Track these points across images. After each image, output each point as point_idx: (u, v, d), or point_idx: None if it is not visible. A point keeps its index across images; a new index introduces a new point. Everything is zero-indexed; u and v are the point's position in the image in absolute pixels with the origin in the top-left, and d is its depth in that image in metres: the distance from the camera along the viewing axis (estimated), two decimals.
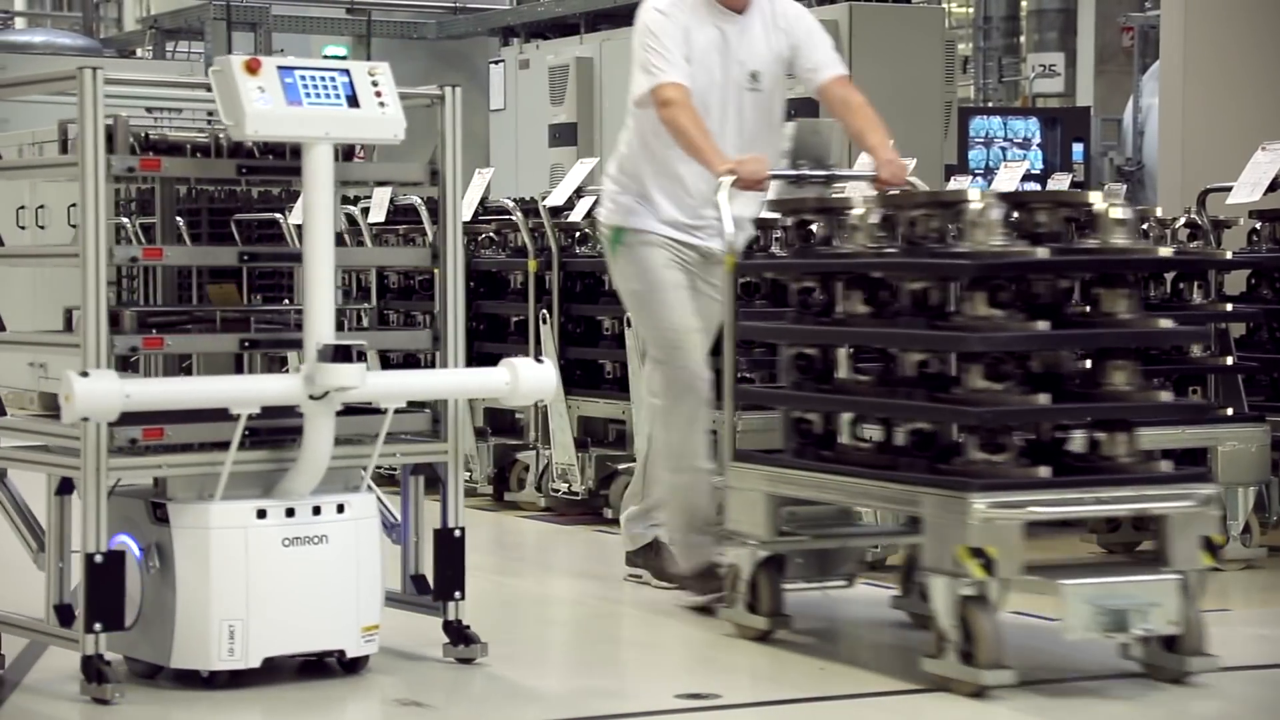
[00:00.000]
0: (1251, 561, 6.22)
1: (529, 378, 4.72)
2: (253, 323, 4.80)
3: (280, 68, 4.47)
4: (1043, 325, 4.58)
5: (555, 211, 7.92)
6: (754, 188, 5.36)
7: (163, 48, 20.08)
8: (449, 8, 18.87)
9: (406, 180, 5.27)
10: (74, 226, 11.52)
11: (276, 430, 4.59)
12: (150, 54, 20.02)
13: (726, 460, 5.21)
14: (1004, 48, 22.31)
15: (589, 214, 7.87)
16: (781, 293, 6.45)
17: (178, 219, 8.75)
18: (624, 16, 14.89)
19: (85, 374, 4.27)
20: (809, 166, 5.43)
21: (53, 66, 14.94)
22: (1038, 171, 16.23)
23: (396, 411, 4.76)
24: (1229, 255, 6.49)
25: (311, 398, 4.45)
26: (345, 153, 4.98)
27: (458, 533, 4.89)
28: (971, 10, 24.13)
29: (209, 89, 4.51)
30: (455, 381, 4.86)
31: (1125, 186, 11.54)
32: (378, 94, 4.58)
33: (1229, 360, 6.42)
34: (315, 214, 4.49)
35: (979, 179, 15.45)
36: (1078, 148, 18.22)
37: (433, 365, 4.95)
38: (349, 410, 4.64)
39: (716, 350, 5.54)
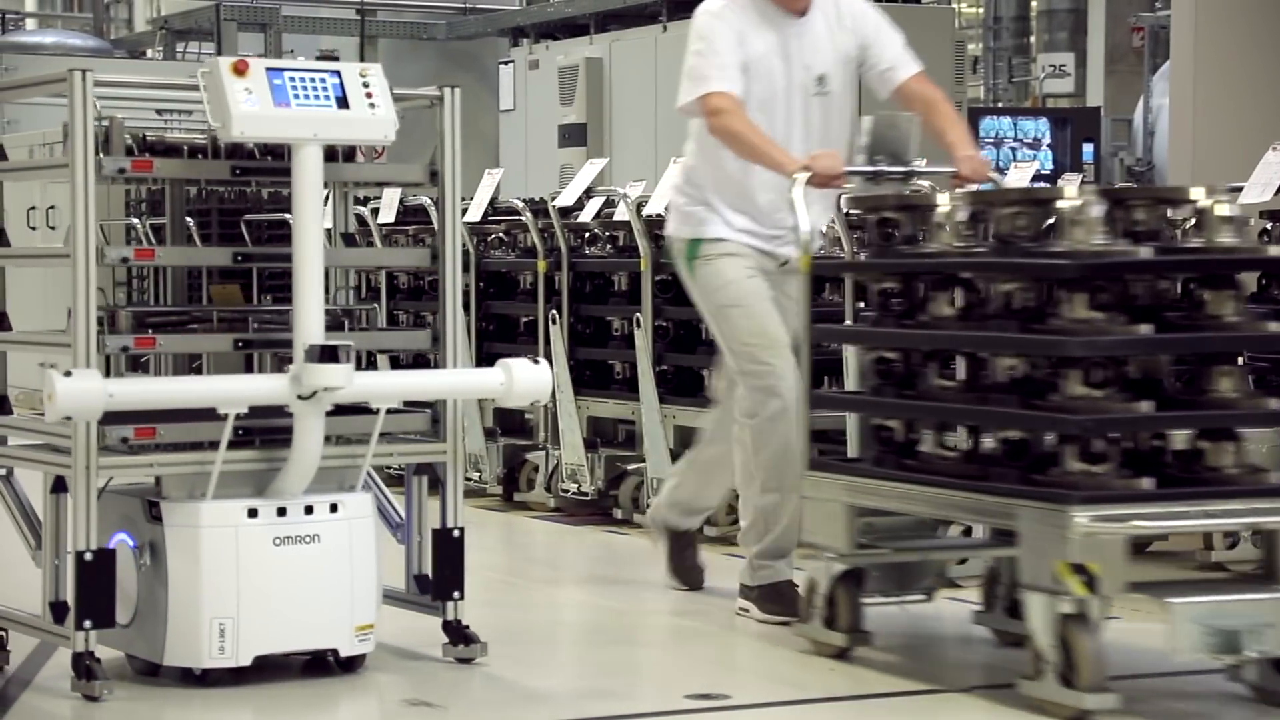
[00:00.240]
0: None
1: (523, 378, 4.69)
2: (251, 323, 4.81)
3: (269, 69, 4.48)
4: (1145, 329, 4.33)
5: (565, 212, 7.91)
6: (829, 185, 5.13)
7: (173, 49, 20.09)
8: (458, 8, 18.87)
9: (406, 181, 5.28)
10: None
11: (271, 430, 4.60)
12: (160, 55, 20.03)
13: (802, 469, 4.99)
14: (1014, 48, 22.28)
15: (597, 214, 7.89)
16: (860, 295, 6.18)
17: (188, 219, 8.78)
18: (633, 17, 14.95)
19: (68, 373, 4.30)
20: (886, 162, 5.17)
21: (60, 67, 14.94)
22: (1048, 172, 16.23)
23: (398, 412, 4.78)
24: None
25: (300, 398, 4.45)
26: (347, 154, 4.98)
27: (456, 533, 4.88)
28: (981, 10, 24.11)
29: (194, 89, 4.52)
30: (449, 382, 4.84)
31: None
32: (368, 95, 4.57)
33: None
34: (304, 215, 4.49)
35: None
36: (1088, 148, 18.21)
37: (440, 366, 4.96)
38: (349, 410, 4.65)
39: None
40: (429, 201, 8.29)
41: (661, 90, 13.78)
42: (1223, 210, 4.47)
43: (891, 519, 4.93)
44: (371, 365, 7.91)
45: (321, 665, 4.68)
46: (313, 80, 4.52)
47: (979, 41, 23.17)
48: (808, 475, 4.94)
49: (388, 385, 4.71)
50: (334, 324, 5.04)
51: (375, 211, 8.63)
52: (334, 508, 4.63)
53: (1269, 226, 6.98)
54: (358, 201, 8.52)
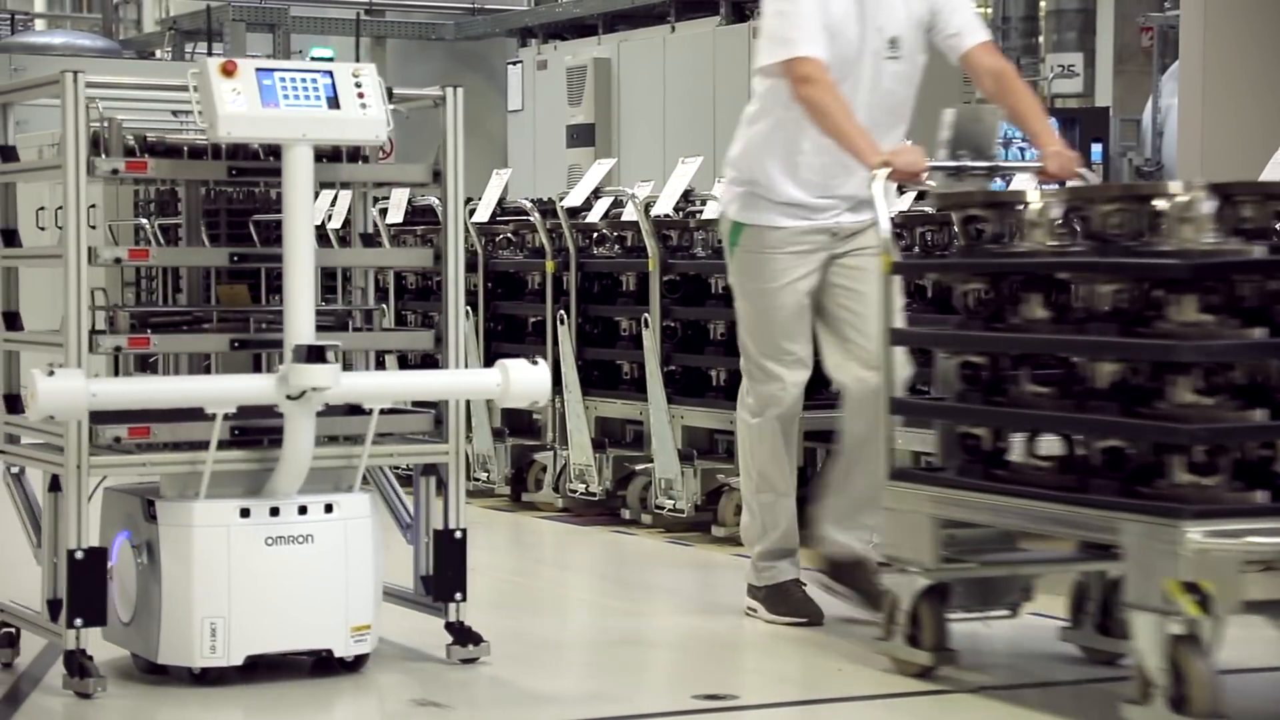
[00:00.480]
0: None
1: (521, 379, 4.66)
2: (252, 323, 4.81)
3: (259, 69, 4.49)
4: (1259, 332, 4.07)
5: (573, 212, 7.92)
6: (910, 180, 5.00)
7: (182, 49, 20.11)
8: (467, 9, 18.88)
9: (409, 181, 5.28)
10: (93, 227, 11.57)
11: (267, 430, 4.60)
12: (170, 55, 20.05)
13: (884, 479, 4.76)
14: (1022, 48, 22.25)
15: (605, 214, 7.89)
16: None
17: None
18: (641, 18, 14.95)
19: (51, 373, 4.32)
20: (969, 157, 4.97)
21: (69, 68, 14.95)
22: None
23: (401, 412, 4.78)
24: None
25: (289, 398, 4.46)
26: (352, 154, 4.98)
27: (459, 534, 4.87)
28: (990, 10, 24.09)
29: (184, 90, 4.54)
30: (443, 382, 4.83)
31: None
32: (360, 95, 4.56)
33: None
34: (295, 215, 4.49)
35: (999, 180, 15.41)
36: (1096, 148, 18.18)
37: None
38: (351, 410, 4.65)
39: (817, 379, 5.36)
40: (437, 202, 8.28)
41: (670, 90, 13.78)
42: None
43: (973, 531, 4.71)
44: (381, 366, 7.93)
45: (327, 665, 4.68)
46: (304, 80, 4.52)
47: None
48: (890, 485, 4.73)
49: (378, 386, 4.71)
50: (339, 324, 5.06)
51: (383, 212, 8.63)
52: (329, 508, 4.62)
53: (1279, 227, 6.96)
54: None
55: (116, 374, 9.24)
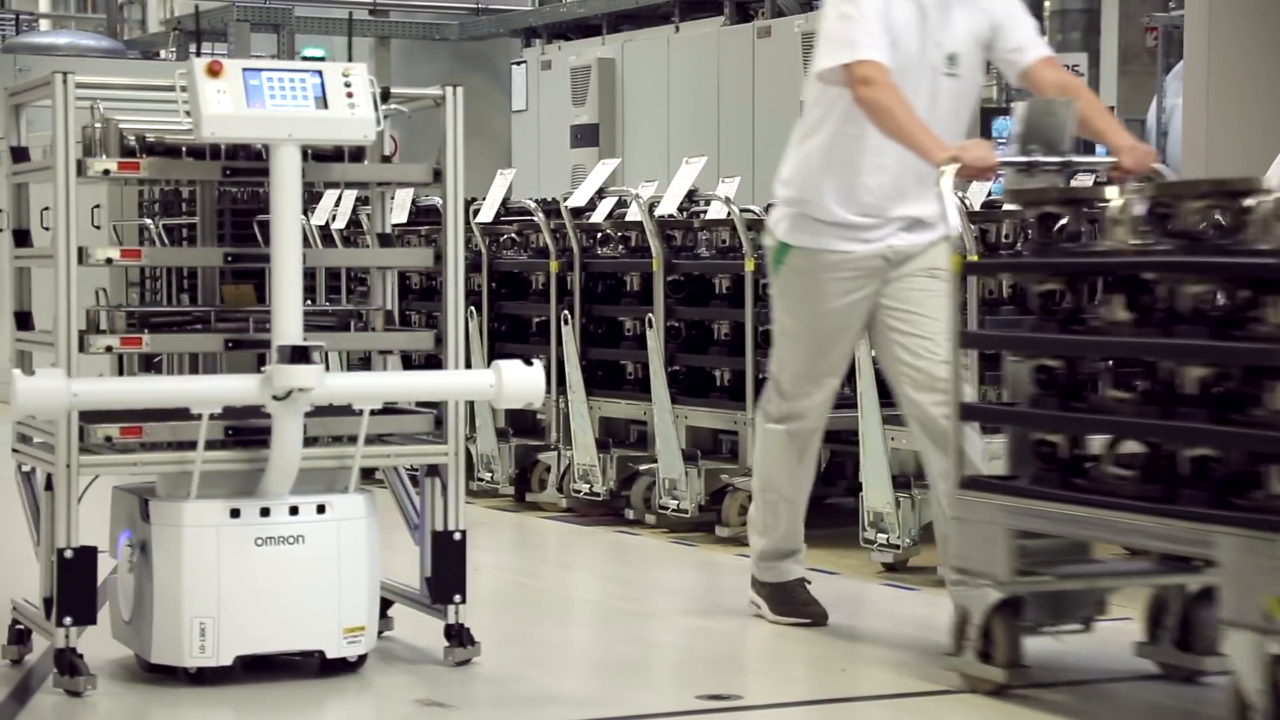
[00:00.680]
0: None
1: (513, 380, 4.63)
2: (252, 323, 4.82)
3: (246, 70, 4.50)
4: None
5: (577, 212, 7.92)
6: (979, 177, 4.87)
7: (186, 49, 20.11)
8: (471, 9, 18.87)
9: (409, 181, 5.28)
10: (97, 227, 11.58)
11: (261, 430, 4.59)
12: (174, 56, 20.06)
13: (954, 488, 4.58)
14: None
15: (609, 214, 7.89)
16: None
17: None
18: (646, 18, 14.95)
19: (32, 372, 4.34)
20: (1041, 152, 4.71)
21: (74, 68, 14.95)
22: None
23: (401, 413, 4.77)
24: None
25: (276, 399, 4.46)
26: (354, 154, 4.98)
27: (458, 535, 4.85)
28: None
29: (173, 90, 4.56)
30: (434, 383, 4.81)
31: None
32: (349, 94, 4.56)
33: None
34: (282, 215, 4.50)
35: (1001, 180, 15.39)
36: (1101, 149, 18.18)
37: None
38: (350, 410, 4.65)
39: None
40: (441, 201, 8.28)
41: (674, 91, 13.78)
42: None
43: (1045, 542, 4.50)
44: (367, 366, 7.94)
45: (331, 666, 4.68)
46: (291, 80, 4.53)
47: None
48: (960, 494, 4.54)
49: (365, 386, 4.71)
50: (340, 325, 5.07)
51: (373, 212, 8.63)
52: (321, 509, 4.62)
53: None
54: (369, 201, 8.52)
55: (121, 374, 9.26)
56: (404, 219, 8.72)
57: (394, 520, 5.14)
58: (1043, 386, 4.40)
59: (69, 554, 4.49)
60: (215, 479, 4.57)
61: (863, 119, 4.92)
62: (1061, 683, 4.58)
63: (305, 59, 4.66)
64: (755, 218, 7.36)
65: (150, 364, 8.92)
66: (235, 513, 4.55)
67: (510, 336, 8.21)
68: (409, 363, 7.91)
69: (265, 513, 4.57)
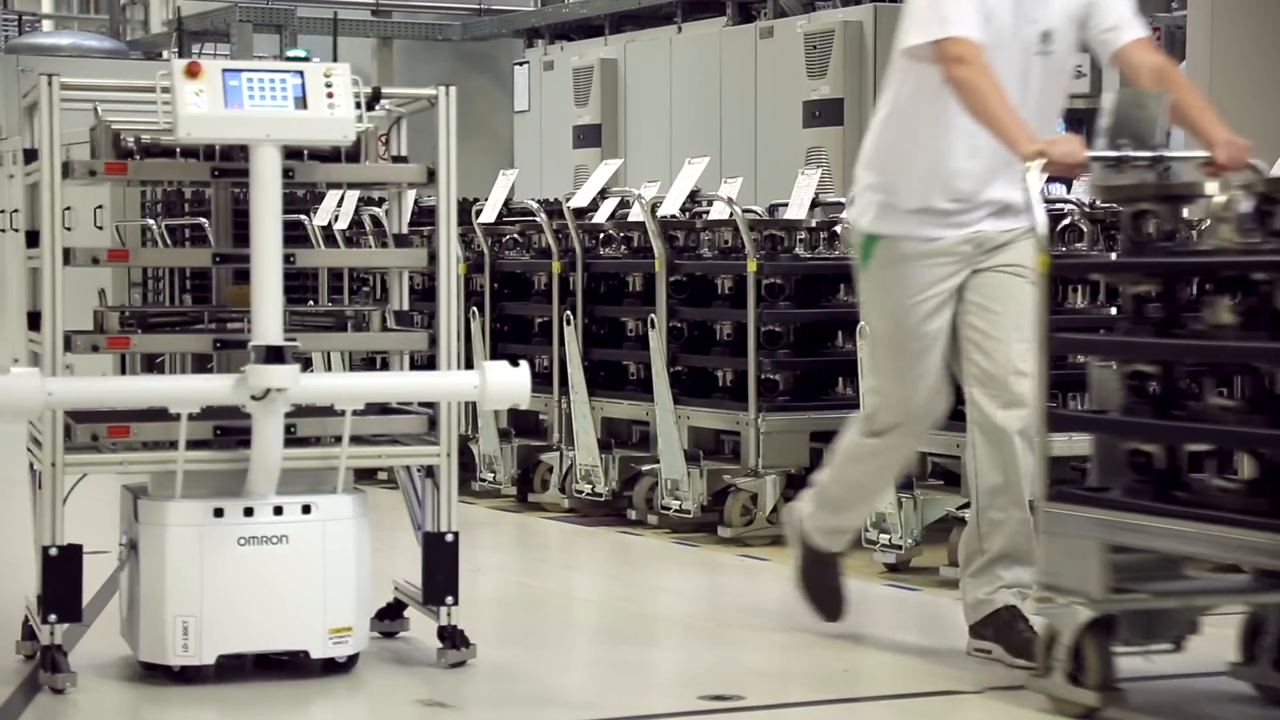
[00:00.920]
0: None
1: (498, 381, 4.60)
2: (246, 323, 4.82)
3: (225, 70, 4.50)
4: None
5: (579, 213, 7.92)
6: (1068, 172, 4.65)
7: (188, 50, 20.13)
8: (473, 9, 18.87)
9: (404, 181, 5.29)
10: (99, 227, 11.59)
11: (248, 430, 4.58)
12: (176, 56, 20.08)
13: (1041, 499, 4.33)
14: None
15: (612, 215, 7.88)
16: None
17: (203, 220, 8.80)
18: (648, 18, 14.94)
19: (6, 372, 4.36)
20: (1131, 146, 4.45)
21: (78, 69, 14.98)
22: None
23: (397, 413, 4.77)
24: None
25: (254, 399, 4.46)
26: (350, 154, 4.99)
27: (450, 537, 4.82)
28: None
29: (155, 91, 4.57)
30: (416, 384, 4.78)
31: None
32: (329, 95, 4.55)
33: None
34: (262, 215, 4.49)
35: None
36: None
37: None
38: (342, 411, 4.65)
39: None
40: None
41: (676, 91, 13.78)
42: None
43: (1136, 557, 4.23)
44: (385, 366, 7.93)
45: (331, 665, 4.67)
46: (272, 81, 4.52)
47: None
48: (1048, 507, 4.29)
49: (344, 387, 4.71)
50: (338, 325, 5.07)
51: (389, 212, 8.63)
52: (306, 509, 4.61)
53: None
54: (371, 202, 8.54)
55: (124, 373, 9.26)
56: (406, 219, 8.71)
57: (405, 521, 5.14)
58: (1136, 394, 4.18)
59: (54, 552, 4.51)
60: (206, 479, 4.57)
61: (952, 99, 4.66)
62: (1151, 705, 4.36)
63: (288, 59, 4.63)
64: (757, 218, 7.38)
65: (153, 364, 8.93)
66: (219, 512, 4.55)
67: (513, 337, 8.22)
68: (414, 363, 7.92)
69: (249, 512, 4.57)
